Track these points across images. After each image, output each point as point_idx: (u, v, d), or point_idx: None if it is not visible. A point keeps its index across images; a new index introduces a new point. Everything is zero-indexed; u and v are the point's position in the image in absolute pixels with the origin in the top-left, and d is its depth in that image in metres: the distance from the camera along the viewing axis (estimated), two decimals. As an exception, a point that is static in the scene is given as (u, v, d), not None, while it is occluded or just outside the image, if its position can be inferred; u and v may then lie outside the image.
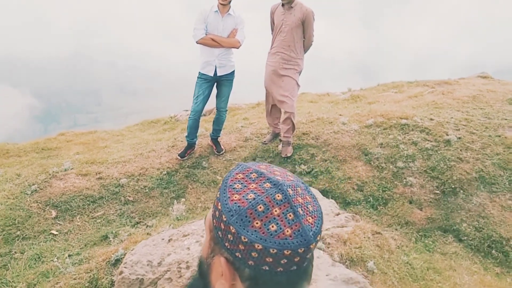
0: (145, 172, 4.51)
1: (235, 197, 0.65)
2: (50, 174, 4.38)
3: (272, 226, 0.62)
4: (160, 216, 3.88)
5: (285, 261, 0.63)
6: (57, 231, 3.70)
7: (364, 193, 4.25)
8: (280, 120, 5.03)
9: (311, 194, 0.69)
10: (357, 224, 2.98)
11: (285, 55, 4.59)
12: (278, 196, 0.64)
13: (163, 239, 2.61)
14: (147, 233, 3.27)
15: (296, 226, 0.62)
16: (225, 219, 0.64)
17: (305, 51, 4.70)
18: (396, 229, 3.82)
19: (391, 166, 4.48)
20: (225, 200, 0.65)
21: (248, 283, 0.65)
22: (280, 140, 4.98)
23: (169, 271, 2.35)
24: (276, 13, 4.59)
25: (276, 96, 4.75)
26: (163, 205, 4.11)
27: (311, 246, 0.63)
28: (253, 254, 0.63)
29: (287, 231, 0.62)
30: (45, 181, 4.25)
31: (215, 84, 4.65)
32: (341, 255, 2.58)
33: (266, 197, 0.63)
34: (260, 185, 0.66)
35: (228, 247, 0.64)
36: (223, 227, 0.65)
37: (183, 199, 4.15)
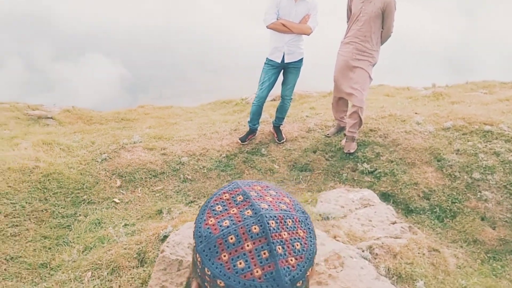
0: (206, 153, 4.60)
1: (211, 221, 0.57)
2: (120, 145, 4.66)
3: (240, 263, 0.53)
4: (213, 198, 3.95)
5: None
6: (119, 199, 3.94)
7: (430, 202, 3.91)
8: (346, 114, 4.80)
9: (306, 229, 0.58)
10: (413, 237, 2.74)
11: (359, 46, 4.32)
12: (255, 229, 0.55)
13: (206, 224, 2.65)
14: (196, 215, 3.34)
15: (269, 267, 0.53)
16: (194, 245, 0.57)
17: (382, 43, 4.39)
18: (461, 246, 3.47)
19: (465, 176, 4.06)
20: (200, 223, 0.58)
21: None
22: (345, 135, 4.76)
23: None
24: (355, 0, 4.32)
25: (345, 88, 4.52)
26: (219, 187, 4.16)
27: None
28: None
29: (257, 272, 0.53)
30: (114, 151, 4.54)
31: (282, 71, 4.55)
32: (388, 269, 2.40)
33: (241, 228, 0.55)
34: (241, 211, 0.57)
35: (199, 273, 0.58)
36: (194, 251, 0.58)
37: (238, 184, 4.18)
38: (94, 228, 3.43)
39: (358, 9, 4.27)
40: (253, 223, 0.55)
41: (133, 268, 2.80)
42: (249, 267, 0.53)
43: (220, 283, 0.54)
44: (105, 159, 4.40)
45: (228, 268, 0.54)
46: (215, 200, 0.61)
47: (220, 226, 0.56)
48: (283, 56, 4.38)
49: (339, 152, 4.68)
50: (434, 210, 3.81)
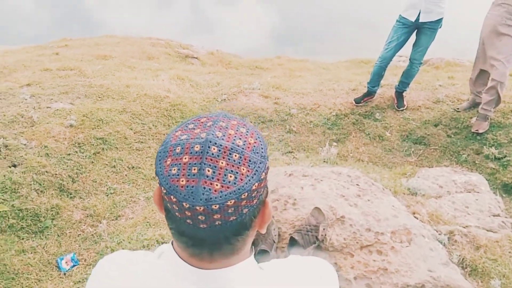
0: (317, 108, 4.60)
1: (178, 133, 0.66)
2: (239, 89, 4.98)
3: (174, 169, 0.62)
4: (311, 152, 3.99)
5: (176, 208, 0.62)
6: (228, 137, 4.30)
7: None
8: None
9: (253, 170, 0.62)
10: (511, 234, 2.37)
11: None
12: (197, 147, 0.61)
13: (285, 171, 2.74)
14: (287, 163, 3.46)
15: (193, 181, 0.60)
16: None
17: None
18: None
19: None
20: (171, 132, 0.68)
21: (165, 213, 0.68)
22: (478, 112, 4.17)
23: (277, 200, 2.49)
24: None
25: (487, 58, 3.90)
26: (321, 144, 4.18)
27: (197, 208, 0.60)
28: (161, 186, 0.65)
29: (182, 181, 0.60)
30: (234, 94, 4.88)
31: (415, 31, 4.14)
32: (462, 259, 2.15)
33: (188, 143, 0.63)
34: (200, 132, 0.64)
35: None
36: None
37: (340, 144, 4.11)
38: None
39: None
40: (198, 142, 0.62)
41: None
42: (178, 175, 0.61)
43: (157, 179, 0.65)
44: (224, 99, 4.79)
45: (166, 171, 0.63)
46: (194, 121, 0.68)
47: (178, 138, 0.65)
48: (419, 14, 3.96)
49: (466, 131, 4.16)
50: None
